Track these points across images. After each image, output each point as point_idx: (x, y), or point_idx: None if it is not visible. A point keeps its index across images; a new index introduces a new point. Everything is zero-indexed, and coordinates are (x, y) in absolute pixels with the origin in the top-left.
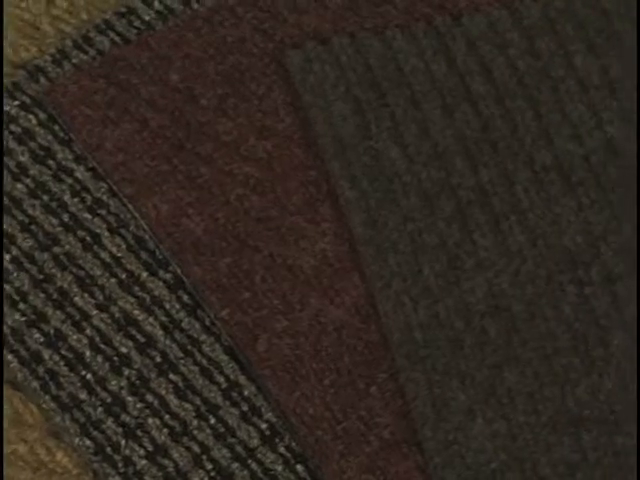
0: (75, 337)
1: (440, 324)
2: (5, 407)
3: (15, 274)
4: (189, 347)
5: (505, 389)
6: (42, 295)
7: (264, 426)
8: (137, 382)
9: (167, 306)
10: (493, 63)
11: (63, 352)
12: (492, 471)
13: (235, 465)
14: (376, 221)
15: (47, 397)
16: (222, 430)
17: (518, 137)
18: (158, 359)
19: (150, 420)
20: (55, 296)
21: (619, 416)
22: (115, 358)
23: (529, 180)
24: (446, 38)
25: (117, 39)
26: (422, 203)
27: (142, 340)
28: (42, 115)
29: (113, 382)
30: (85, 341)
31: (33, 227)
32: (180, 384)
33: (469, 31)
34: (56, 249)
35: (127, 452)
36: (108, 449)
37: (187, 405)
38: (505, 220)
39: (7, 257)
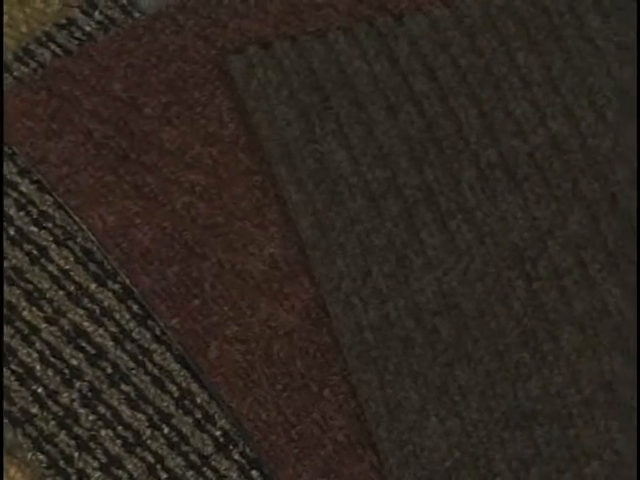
0: (25, 351)
1: (391, 324)
2: None
3: None
4: (140, 357)
5: (457, 387)
6: None
7: (218, 433)
8: (89, 394)
9: (117, 317)
10: (436, 62)
11: (13, 367)
12: (447, 469)
13: (190, 473)
14: (323, 224)
15: None
16: (176, 439)
17: (462, 135)
18: (109, 370)
19: (103, 432)
20: (4, 311)
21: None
22: (66, 371)
23: (475, 178)
24: (388, 39)
25: (58, 51)
26: (369, 204)
27: (92, 352)
28: None
29: (64, 395)
30: (35, 355)
31: None
32: (132, 394)
33: (411, 31)
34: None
35: (80, 465)
36: (61, 462)
37: (140, 415)
38: (452, 219)
39: None
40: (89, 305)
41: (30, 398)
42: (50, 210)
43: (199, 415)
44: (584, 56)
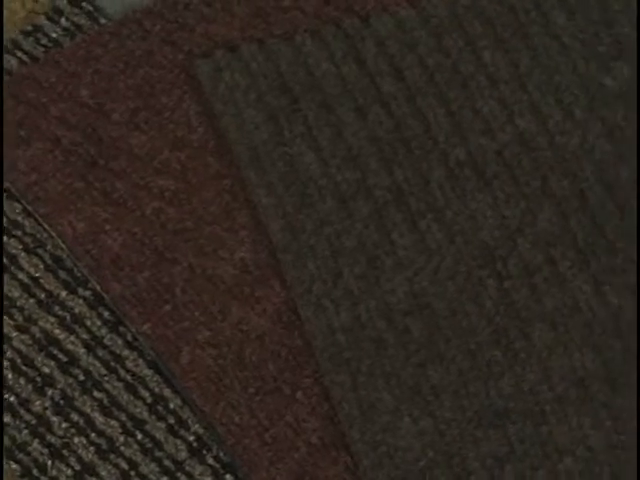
0: None
1: (362, 326)
2: None
3: None
4: (112, 363)
5: (430, 387)
6: None
7: (191, 438)
8: (61, 402)
9: (88, 323)
10: (403, 62)
11: None
12: (421, 469)
13: (164, 479)
14: (294, 227)
15: None
16: (149, 445)
17: (431, 135)
18: (81, 377)
19: (76, 439)
20: None
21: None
22: (38, 379)
23: (444, 177)
24: (355, 40)
25: (24, 58)
26: (339, 206)
27: (64, 359)
28: None
29: (37, 403)
30: (6, 364)
31: None
32: (105, 401)
33: (378, 32)
34: None
35: (54, 473)
36: (35, 471)
37: (113, 422)
38: (422, 218)
39: None
40: (60, 312)
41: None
42: (19, 218)
43: (172, 420)
44: (551, 54)
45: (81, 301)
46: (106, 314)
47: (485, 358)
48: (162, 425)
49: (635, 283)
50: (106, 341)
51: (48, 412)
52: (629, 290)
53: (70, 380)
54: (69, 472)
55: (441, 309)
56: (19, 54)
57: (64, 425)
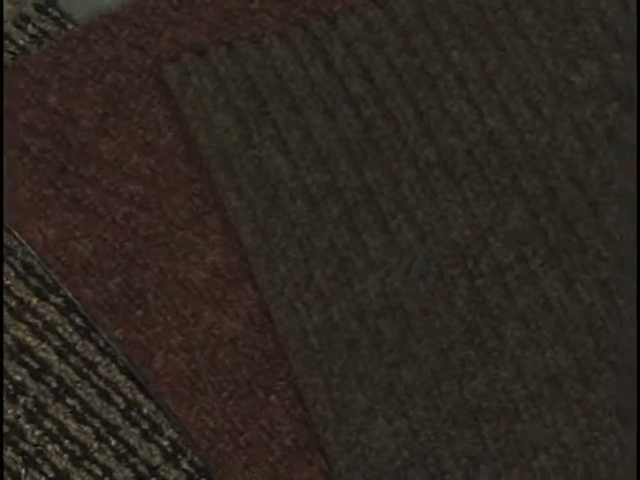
0: None
1: (335, 327)
2: None
3: None
4: (85, 370)
5: (403, 387)
6: None
7: (166, 443)
8: (34, 409)
9: (60, 330)
10: (371, 63)
11: None
12: (396, 469)
13: None
14: (264, 229)
15: None
16: (123, 451)
17: (400, 136)
18: (54, 384)
19: (50, 446)
20: None
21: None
22: (10, 387)
23: (414, 177)
24: (323, 42)
25: None
26: (309, 208)
27: (36, 366)
28: None
29: (9, 411)
30: None
31: None
32: (78, 408)
33: (345, 33)
34: None
35: None
36: (9, 479)
37: (86, 428)
38: (393, 219)
39: None
40: (31, 320)
41: None
42: None
43: (146, 426)
44: (518, 52)
45: (52, 308)
46: (78, 320)
47: (458, 357)
48: (136, 431)
49: (605, 280)
50: (78, 348)
51: (21, 420)
52: (600, 287)
53: (42, 387)
54: (43, 479)
55: (413, 309)
56: None
57: (37, 433)
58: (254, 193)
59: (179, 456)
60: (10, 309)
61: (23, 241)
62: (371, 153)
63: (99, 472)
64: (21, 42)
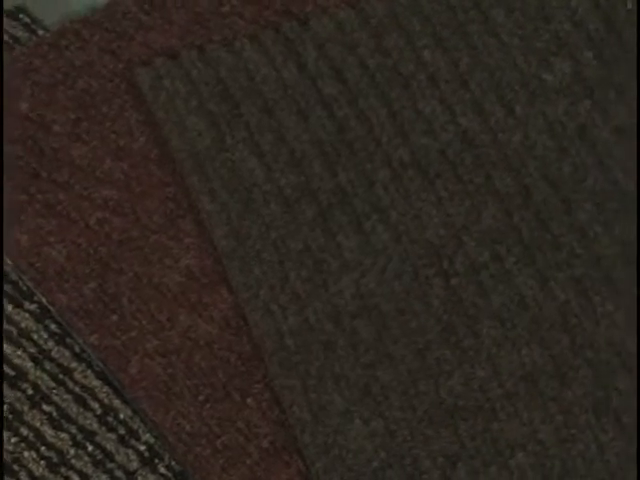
0: None
1: (311, 329)
2: None
3: None
4: (60, 376)
5: (380, 387)
6: None
7: (143, 448)
8: (10, 416)
9: (35, 337)
10: (343, 64)
11: None
12: (373, 470)
13: None
14: (239, 232)
15: None
16: (100, 456)
17: (374, 136)
18: (30, 391)
19: (26, 453)
20: None
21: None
22: None
23: (388, 178)
24: (295, 43)
25: None
26: (283, 210)
27: (12, 374)
28: None
29: None
30: None
31: None
32: (54, 414)
33: (317, 34)
34: None
35: None
36: None
37: (63, 434)
38: (367, 220)
39: None
40: (6, 327)
41: None
42: None
43: (123, 431)
44: (490, 51)
45: (27, 315)
46: (53, 327)
47: (434, 357)
48: (113, 436)
49: (580, 277)
50: (54, 354)
51: None
52: (574, 284)
53: (18, 394)
54: None
55: (389, 309)
56: None
57: (13, 440)
58: (228, 196)
59: (156, 461)
60: None
61: None
62: (345, 154)
63: (76, 478)
64: None
